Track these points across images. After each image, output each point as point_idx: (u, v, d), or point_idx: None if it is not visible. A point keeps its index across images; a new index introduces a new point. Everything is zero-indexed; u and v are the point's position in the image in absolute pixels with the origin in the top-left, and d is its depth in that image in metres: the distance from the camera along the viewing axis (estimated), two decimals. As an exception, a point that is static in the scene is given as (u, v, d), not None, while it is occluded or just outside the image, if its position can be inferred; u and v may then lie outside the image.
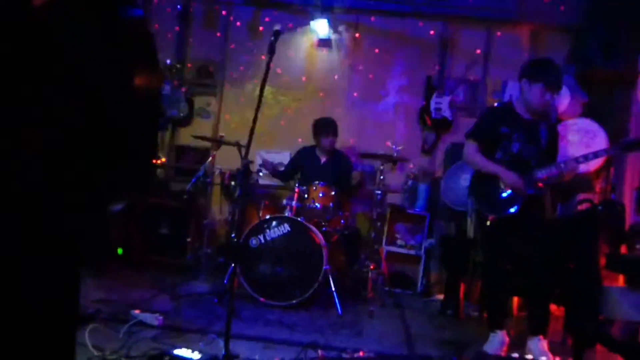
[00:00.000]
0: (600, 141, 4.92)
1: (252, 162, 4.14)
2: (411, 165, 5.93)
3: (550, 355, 3.51)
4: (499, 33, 6.02)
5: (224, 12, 6.30)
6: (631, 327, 2.84)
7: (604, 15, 5.29)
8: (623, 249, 4.35)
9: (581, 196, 4.99)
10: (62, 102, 0.86)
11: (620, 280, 4.57)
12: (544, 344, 3.52)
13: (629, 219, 4.72)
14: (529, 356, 3.49)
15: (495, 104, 5.45)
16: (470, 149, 3.82)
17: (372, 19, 6.17)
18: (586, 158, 3.54)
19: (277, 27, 3.18)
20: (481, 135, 3.80)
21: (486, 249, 3.90)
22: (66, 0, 0.85)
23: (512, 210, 3.59)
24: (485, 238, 3.86)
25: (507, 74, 5.94)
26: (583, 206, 4.79)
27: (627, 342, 2.25)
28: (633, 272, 3.68)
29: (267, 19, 6.18)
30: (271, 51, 3.13)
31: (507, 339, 3.65)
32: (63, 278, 1.02)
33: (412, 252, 5.75)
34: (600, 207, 4.55)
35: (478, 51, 6.04)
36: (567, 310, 3.73)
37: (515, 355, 3.52)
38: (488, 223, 3.72)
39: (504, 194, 3.65)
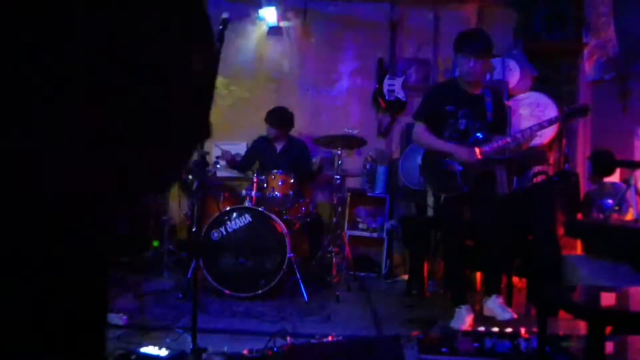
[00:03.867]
0: (550, 113, 5.00)
1: (208, 153, 4.07)
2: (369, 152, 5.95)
3: (510, 310, 3.61)
4: (446, 12, 6.06)
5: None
6: (592, 292, 2.90)
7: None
8: (579, 217, 4.45)
9: (536, 169, 5.08)
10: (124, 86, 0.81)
11: (578, 249, 4.69)
12: (501, 300, 3.63)
13: (583, 187, 4.83)
14: (495, 329, 3.54)
15: (440, 82, 5.52)
16: (419, 129, 3.84)
17: (320, 4, 6.13)
18: (531, 129, 3.61)
19: (225, 15, 3.11)
20: (427, 115, 3.83)
21: (443, 226, 3.96)
22: None
23: (464, 188, 3.64)
24: (441, 215, 3.91)
25: (457, 53, 5.99)
26: (538, 178, 4.88)
27: (588, 306, 2.29)
28: (590, 237, 3.76)
29: (214, 7, 6.06)
30: (220, 40, 3.06)
31: (471, 314, 3.70)
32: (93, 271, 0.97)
33: (375, 234, 5.77)
34: (555, 178, 4.65)
35: (427, 31, 6.07)
36: (529, 281, 3.80)
37: (482, 328, 3.57)
38: (442, 201, 3.76)
39: (456, 172, 3.68)
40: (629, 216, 3.77)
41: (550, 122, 3.69)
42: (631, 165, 3.25)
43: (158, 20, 0.86)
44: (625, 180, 3.52)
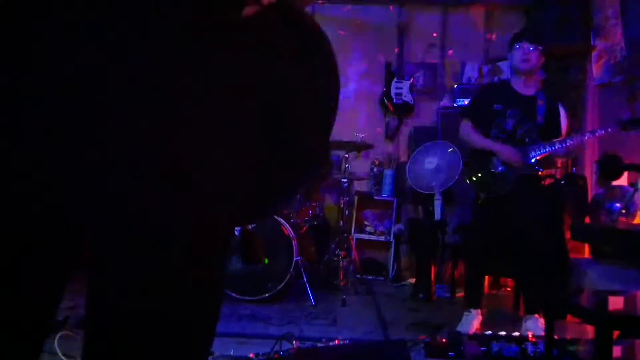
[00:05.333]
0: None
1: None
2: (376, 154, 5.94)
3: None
4: (454, 15, 6.05)
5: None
6: (600, 295, 2.89)
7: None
8: (587, 221, 4.43)
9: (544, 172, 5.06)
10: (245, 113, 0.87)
11: (586, 252, 4.66)
12: (542, 321, 3.51)
13: (591, 191, 4.81)
14: (502, 332, 3.52)
15: (494, 79, 5.48)
16: (465, 128, 3.80)
17: (327, 7, 6.14)
18: (582, 136, 3.53)
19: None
20: (474, 113, 3.80)
21: (474, 228, 3.89)
22: (268, 16, 0.86)
23: (503, 191, 3.60)
24: (475, 216, 3.86)
25: (464, 56, 6.00)
26: (546, 181, 4.86)
27: (596, 311, 2.28)
28: (597, 241, 3.74)
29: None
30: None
31: (480, 318, 3.68)
32: None
33: (382, 238, 5.76)
34: (562, 182, 4.63)
35: (435, 34, 6.07)
36: (537, 284, 3.76)
37: (489, 332, 3.56)
38: (480, 201, 3.72)
39: (498, 172, 3.65)
40: (637, 219, 3.75)
41: (605, 131, 3.54)
42: (639, 168, 3.23)
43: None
44: (632, 184, 3.50)
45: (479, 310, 3.69)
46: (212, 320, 0.96)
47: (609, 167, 3.58)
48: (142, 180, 0.80)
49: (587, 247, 4.60)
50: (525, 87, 3.71)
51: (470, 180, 3.78)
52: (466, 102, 5.48)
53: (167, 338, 0.87)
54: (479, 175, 3.73)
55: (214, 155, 0.83)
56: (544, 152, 3.54)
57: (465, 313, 3.68)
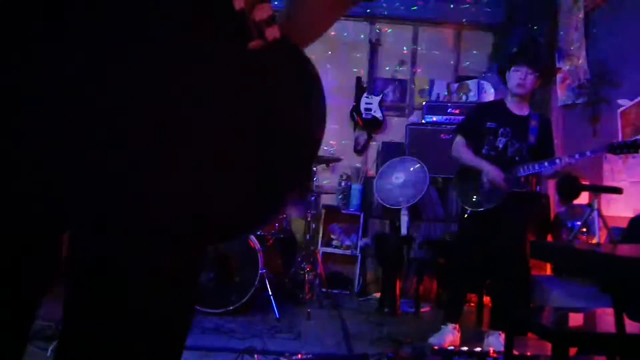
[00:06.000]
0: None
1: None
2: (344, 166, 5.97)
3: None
4: (424, 33, 6.14)
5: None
6: (560, 312, 2.94)
7: (523, 15, 5.49)
8: (549, 238, 4.51)
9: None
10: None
11: (548, 270, 4.74)
12: (503, 338, 3.55)
13: (554, 209, 4.90)
14: (478, 349, 3.54)
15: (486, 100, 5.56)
16: (457, 144, 3.86)
17: (300, 21, 6.17)
18: (570, 158, 3.54)
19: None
20: (467, 130, 3.85)
21: (460, 242, 3.92)
22: (274, 51, 0.89)
23: (489, 206, 3.64)
24: (460, 231, 3.90)
25: (433, 73, 6.08)
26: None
27: (556, 328, 2.32)
28: (556, 260, 3.81)
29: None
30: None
31: (458, 333, 3.70)
32: None
33: (348, 252, 5.77)
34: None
35: (405, 51, 6.14)
36: (496, 300, 3.81)
37: (451, 347, 3.59)
38: (466, 215, 3.76)
39: (485, 190, 3.68)
40: (597, 238, 3.84)
41: (594, 153, 3.55)
42: (595, 189, 3.31)
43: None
44: (589, 204, 3.58)
45: (457, 325, 3.71)
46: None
47: (567, 188, 3.66)
48: (142, 179, 0.81)
49: (549, 265, 4.68)
50: (519, 108, 3.78)
51: (459, 194, 3.83)
52: (434, 118, 5.58)
53: (154, 338, 0.89)
54: (468, 190, 3.78)
55: (213, 156, 0.85)
56: (532, 172, 3.59)
57: (443, 326, 3.70)
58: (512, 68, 3.73)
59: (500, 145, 3.71)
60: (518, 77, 3.68)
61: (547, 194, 4.93)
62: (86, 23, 0.81)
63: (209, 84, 0.84)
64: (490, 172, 3.62)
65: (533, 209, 4.17)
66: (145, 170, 0.81)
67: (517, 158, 3.68)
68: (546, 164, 3.56)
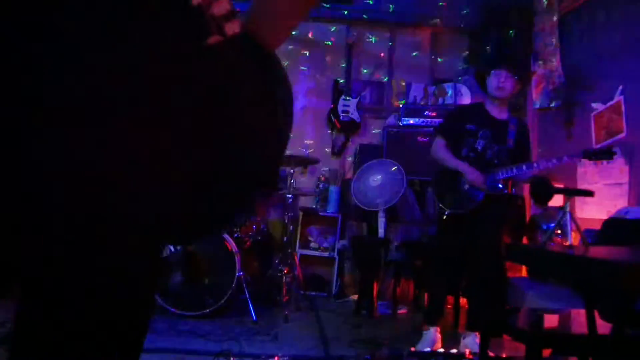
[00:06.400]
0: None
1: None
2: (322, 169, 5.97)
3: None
4: (401, 36, 6.17)
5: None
6: (535, 314, 2.97)
7: (498, 18, 5.55)
8: (525, 241, 4.56)
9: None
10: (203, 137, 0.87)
11: (524, 272, 4.79)
12: (477, 340, 3.58)
13: (529, 211, 4.96)
14: (454, 350, 3.56)
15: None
16: (438, 143, 3.86)
17: (278, 23, 6.17)
18: (548, 162, 3.57)
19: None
20: (447, 131, 3.86)
21: (438, 244, 3.93)
22: (233, 47, 0.87)
23: (469, 207, 3.65)
24: (439, 233, 3.90)
25: (410, 76, 6.12)
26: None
27: (531, 330, 2.34)
28: (532, 261, 3.84)
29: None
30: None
31: (439, 336, 3.71)
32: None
33: (326, 254, 5.77)
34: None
35: (382, 54, 6.17)
36: (473, 302, 3.84)
37: (427, 349, 3.60)
38: (444, 217, 3.77)
39: (464, 191, 3.70)
40: (573, 241, 3.88)
41: (570, 158, 3.60)
42: (567, 192, 3.35)
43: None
44: (561, 207, 3.62)
45: (438, 328, 3.73)
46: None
47: (540, 190, 3.69)
48: (79, 180, 0.79)
49: (524, 267, 4.73)
50: (498, 112, 3.80)
51: (439, 196, 3.84)
52: (411, 121, 5.60)
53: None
54: (447, 191, 3.79)
55: (147, 163, 0.82)
56: (510, 175, 3.61)
57: (424, 331, 3.71)
58: (492, 72, 3.75)
59: (479, 148, 3.73)
60: (498, 80, 3.70)
61: (523, 196, 4.98)
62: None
63: (160, 81, 0.82)
64: (471, 174, 3.65)
65: (509, 212, 4.21)
66: (82, 169, 0.79)
67: (495, 161, 3.71)
68: (524, 167, 3.59)
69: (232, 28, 0.85)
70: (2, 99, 0.76)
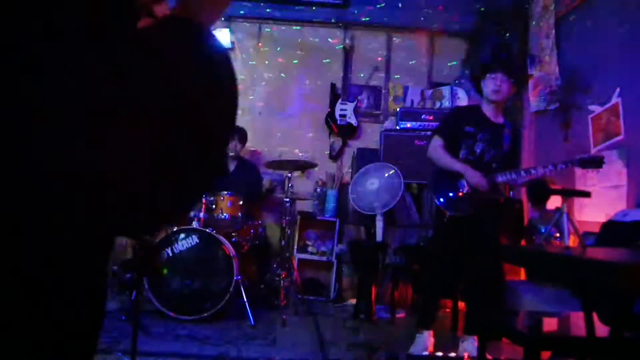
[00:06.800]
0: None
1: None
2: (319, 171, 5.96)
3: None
4: (398, 40, 6.18)
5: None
6: (534, 317, 2.96)
7: (495, 21, 5.55)
8: (523, 243, 4.54)
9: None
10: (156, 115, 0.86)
11: (522, 274, 4.78)
12: (476, 344, 3.57)
13: (527, 214, 4.95)
14: (452, 354, 3.54)
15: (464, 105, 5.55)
16: (436, 144, 3.80)
17: (274, 28, 6.18)
18: (545, 168, 3.54)
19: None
20: (446, 132, 3.81)
21: (436, 247, 3.90)
22: (164, 27, 0.86)
23: (470, 210, 3.63)
24: (438, 234, 3.87)
25: (407, 79, 6.12)
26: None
27: (530, 333, 2.33)
28: (530, 263, 3.83)
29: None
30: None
31: (432, 340, 3.70)
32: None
33: (324, 258, 5.76)
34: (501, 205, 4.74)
35: (379, 58, 6.17)
36: (471, 305, 3.83)
37: (426, 353, 3.59)
38: (445, 219, 3.74)
39: (464, 193, 3.68)
40: (571, 243, 3.88)
41: (566, 165, 3.55)
42: (564, 193, 3.34)
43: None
44: (558, 208, 3.62)
45: (431, 332, 3.71)
46: None
47: (536, 191, 3.69)
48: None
49: (523, 270, 4.72)
50: (494, 115, 3.77)
51: (437, 195, 3.80)
52: (409, 125, 5.60)
53: None
54: (446, 194, 3.76)
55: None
56: (509, 179, 3.59)
57: (418, 335, 3.70)
58: (488, 75, 3.72)
59: (478, 151, 3.71)
60: (494, 83, 3.68)
61: (521, 200, 4.97)
62: None
63: (94, 70, 0.80)
64: (473, 176, 3.61)
65: (506, 215, 4.20)
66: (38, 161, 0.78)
67: (494, 165, 3.69)
68: (523, 173, 3.57)
69: (162, 10, 0.85)
70: (2, 100, 0.76)
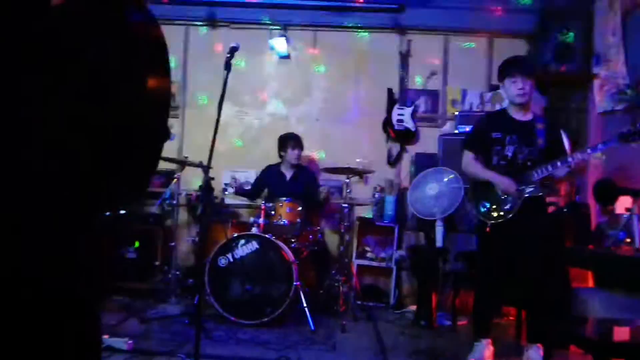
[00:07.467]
0: (560, 143, 4.96)
1: (213, 179, 4.08)
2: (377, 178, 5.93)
3: None
4: (455, 43, 6.10)
5: (182, 33, 6.27)
6: (604, 325, 2.84)
7: (556, 20, 5.40)
8: (590, 248, 4.38)
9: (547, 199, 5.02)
10: (72, 101, 0.87)
11: (590, 281, 4.61)
12: (542, 351, 3.48)
13: (595, 219, 4.78)
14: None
15: (496, 107, 5.46)
16: (467, 158, 3.83)
17: (330, 34, 6.19)
18: (582, 153, 3.44)
19: (233, 44, 3.17)
20: (474, 143, 3.82)
21: (483, 256, 3.83)
22: (80, 2, 0.87)
23: (510, 215, 3.57)
24: (484, 244, 3.82)
25: (466, 83, 6.02)
26: (549, 209, 4.83)
27: (600, 341, 2.24)
28: (600, 268, 3.69)
29: (225, 38, 6.18)
30: (227, 68, 3.12)
31: (491, 348, 3.61)
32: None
33: (383, 264, 5.72)
34: (565, 210, 4.60)
35: (436, 61, 6.10)
36: (533, 313, 3.70)
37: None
38: (487, 229, 3.68)
39: (502, 200, 3.62)
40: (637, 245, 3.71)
41: (605, 145, 3.45)
42: (633, 193, 3.19)
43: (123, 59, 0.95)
44: (628, 209, 3.45)
45: (490, 340, 3.63)
46: None
47: (603, 191, 3.54)
48: None
49: (590, 276, 4.56)
50: (522, 114, 3.71)
51: (476, 207, 3.76)
52: (467, 129, 5.50)
53: None
54: (485, 202, 3.70)
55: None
56: (546, 173, 3.50)
57: (476, 343, 3.62)
58: (507, 80, 3.67)
59: (509, 154, 3.64)
60: (516, 87, 3.62)
61: (587, 203, 4.81)
62: None
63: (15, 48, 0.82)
64: (502, 183, 3.57)
65: (572, 219, 4.08)
66: None
67: (529, 163, 3.60)
68: (559, 163, 3.47)
69: None
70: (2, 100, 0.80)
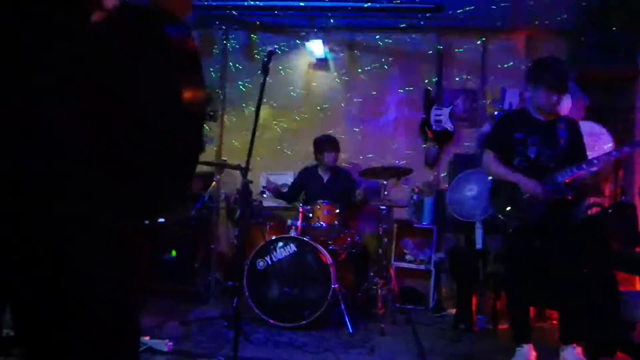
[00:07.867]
0: (604, 142, 4.85)
1: (251, 182, 4.11)
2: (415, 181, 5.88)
3: None
4: (494, 41, 6.01)
5: (220, 37, 6.34)
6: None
7: (598, 16, 5.26)
8: (638, 250, 4.27)
9: (591, 200, 4.90)
10: (111, 114, 0.90)
11: (638, 284, 4.49)
12: (579, 351, 3.38)
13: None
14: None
15: (509, 110, 5.38)
16: (487, 158, 3.75)
17: (367, 35, 6.18)
18: (608, 155, 3.39)
19: (270, 48, 3.20)
20: (496, 143, 3.74)
21: (509, 259, 3.77)
22: (119, 19, 0.89)
23: (534, 218, 3.49)
24: (508, 247, 3.75)
25: (505, 82, 5.93)
26: (593, 210, 4.71)
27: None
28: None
29: (262, 42, 6.22)
30: (265, 71, 3.14)
31: (534, 353, 3.53)
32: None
33: (422, 267, 5.67)
34: (610, 211, 4.48)
35: (474, 60, 6.02)
36: (565, 314, 3.60)
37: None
38: (511, 231, 3.62)
39: (526, 201, 3.54)
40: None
41: (632, 147, 3.41)
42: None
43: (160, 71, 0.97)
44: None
45: (531, 345, 3.54)
46: None
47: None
48: None
49: (638, 280, 4.44)
50: (545, 115, 3.62)
51: (500, 210, 3.68)
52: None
53: None
54: (508, 204, 3.63)
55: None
56: (571, 175, 3.41)
57: (518, 348, 3.54)
58: (533, 85, 3.57)
59: (532, 155, 3.55)
60: (541, 99, 3.53)
61: (634, 204, 4.67)
62: None
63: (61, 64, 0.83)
64: (527, 184, 3.48)
65: (617, 221, 3.97)
66: None
67: (552, 165, 3.51)
68: (584, 166, 3.39)
69: (112, 1, 0.84)
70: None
